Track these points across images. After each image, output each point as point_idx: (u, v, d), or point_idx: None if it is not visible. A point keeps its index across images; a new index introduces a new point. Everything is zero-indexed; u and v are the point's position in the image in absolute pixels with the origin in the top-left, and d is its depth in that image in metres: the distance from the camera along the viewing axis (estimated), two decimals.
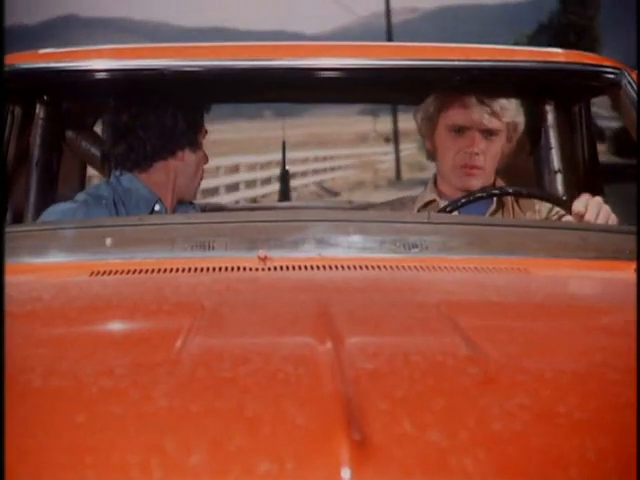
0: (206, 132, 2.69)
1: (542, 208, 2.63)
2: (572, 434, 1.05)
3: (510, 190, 2.36)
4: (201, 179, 2.69)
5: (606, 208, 2.26)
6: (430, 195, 2.69)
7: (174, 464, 0.99)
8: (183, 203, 2.68)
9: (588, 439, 1.04)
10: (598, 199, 2.29)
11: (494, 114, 2.56)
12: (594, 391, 1.17)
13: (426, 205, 2.66)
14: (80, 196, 2.60)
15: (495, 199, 2.62)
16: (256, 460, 0.99)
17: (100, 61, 2.41)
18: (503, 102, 2.57)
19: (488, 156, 2.58)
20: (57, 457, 1.01)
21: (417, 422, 1.05)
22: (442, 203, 2.60)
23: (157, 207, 2.59)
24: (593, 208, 2.24)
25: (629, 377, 1.20)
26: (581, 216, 2.24)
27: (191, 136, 2.63)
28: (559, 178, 2.89)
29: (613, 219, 2.26)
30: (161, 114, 2.58)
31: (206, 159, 2.69)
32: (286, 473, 0.98)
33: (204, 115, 2.68)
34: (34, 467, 0.99)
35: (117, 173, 2.62)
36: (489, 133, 2.58)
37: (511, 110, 2.59)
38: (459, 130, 2.58)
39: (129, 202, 2.57)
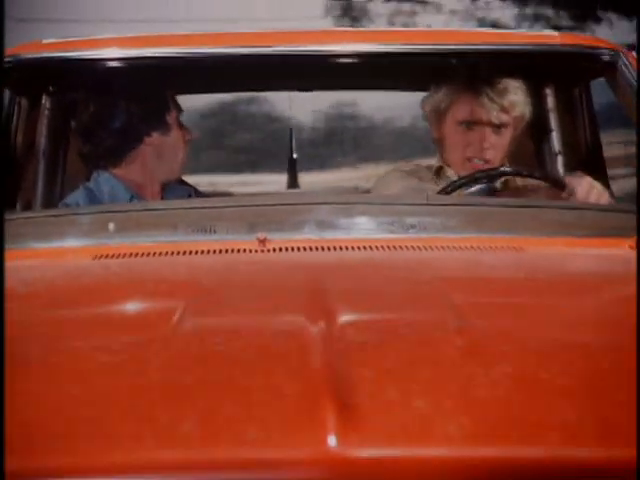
0: (180, 111, 2.69)
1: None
2: (553, 400, 1.08)
3: (508, 170, 2.38)
4: (183, 157, 2.68)
5: (598, 187, 2.28)
6: (439, 162, 2.71)
7: (166, 433, 1.02)
8: (170, 184, 2.70)
9: (568, 404, 1.06)
10: (589, 179, 2.31)
11: (503, 109, 2.59)
12: (577, 360, 1.20)
13: (437, 170, 2.69)
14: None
15: (500, 185, 2.64)
16: (245, 428, 1.02)
17: (104, 50, 2.44)
18: (513, 97, 2.59)
19: (497, 149, 2.61)
20: (53, 427, 1.04)
21: (402, 390, 1.07)
22: (449, 170, 2.63)
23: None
24: (584, 187, 2.26)
25: (613, 346, 1.23)
26: (572, 194, 2.26)
27: (157, 119, 2.63)
28: (559, 160, 2.91)
29: (605, 198, 2.28)
30: (115, 105, 2.61)
31: (188, 135, 2.68)
32: (274, 440, 1.01)
33: (171, 96, 2.67)
34: (31, 436, 1.03)
35: (95, 174, 2.66)
36: (498, 127, 2.61)
37: (520, 103, 2.61)
38: (469, 125, 2.61)
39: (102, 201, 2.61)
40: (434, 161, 2.74)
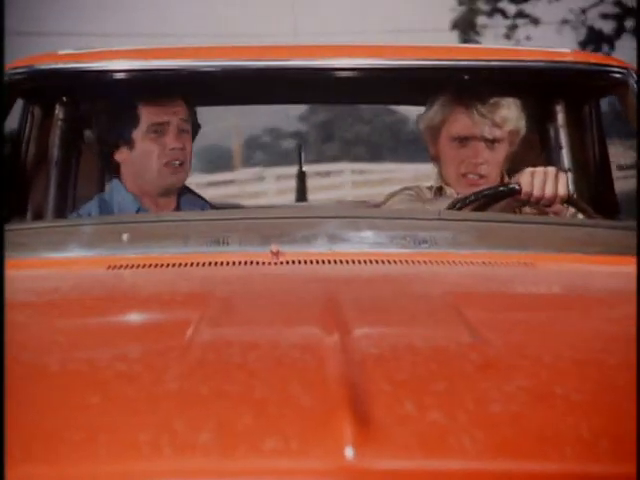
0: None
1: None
2: (568, 415, 1.08)
3: (517, 187, 2.38)
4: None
5: (552, 174, 2.28)
6: (438, 183, 2.72)
7: (183, 442, 1.03)
8: (184, 194, 2.72)
9: (583, 419, 1.07)
10: (541, 168, 2.32)
11: (496, 125, 2.59)
12: (591, 375, 1.21)
13: (437, 191, 2.69)
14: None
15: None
16: (262, 439, 1.03)
17: (118, 62, 2.46)
18: (504, 112, 2.59)
19: (492, 164, 2.61)
20: (72, 435, 1.05)
21: (418, 403, 1.08)
22: (449, 190, 2.63)
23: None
24: (538, 182, 2.27)
25: (626, 363, 1.23)
26: (530, 195, 2.27)
27: (123, 133, 2.65)
28: (569, 177, 2.92)
29: (563, 183, 2.28)
30: (126, 115, 2.63)
31: (159, 149, 2.64)
32: (291, 451, 1.02)
33: (139, 110, 2.65)
34: (50, 444, 1.04)
35: (110, 184, 2.70)
36: (492, 142, 2.61)
37: (513, 118, 2.62)
38: (463, 140, 2.62)
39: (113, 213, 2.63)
40: (432, 181, 2.75)
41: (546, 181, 2.28)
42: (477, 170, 2.59)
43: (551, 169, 2.33)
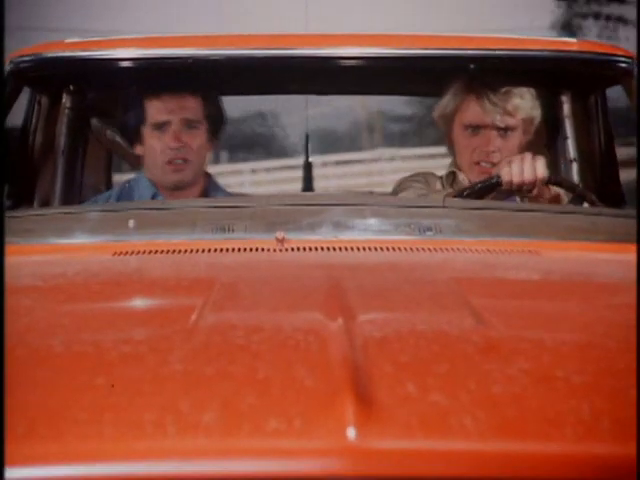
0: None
1: (565, 198, 2.66)
2: (569, 396, 1.09)
3: (497, 179, 2.39)
4: (163, 168, 2.67)
5: (528, 158, 2.32)
6: (451, 168, 2.73)
7: (187, 422, 1.04)
8: (209, 186, 2.73)
9: (584, 401, 1.08)
10: (517, 156, 2.36)
11: (507, 113, 2.60)
12: (593, 358, 1.22)
13: (448, 176, 2.70)
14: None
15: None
16: (265, 419, 1.04)
17: (125, 50, 2.47)
18: (517, 101, 2.60)
19: (505, 152, 2.61)
20: (78, 414, 1.06)
21: (420, 384, 1.09)
22: (461, 175, 2.65)
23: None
24: (516, 169, 2.31)
25: (627, 347, 1.24)
26: (511, 183, 2.31)
27: (135, 127, 2.67)
28: (575, 167, 2.92)
29: (541, 165, 2.31)
30: (135, 104, 2.66)
31: (161, 146, 2.66)
32: (294, 431, 1.02)
33: (145, 105, 2.67)
34: (56, 423, 1.05)
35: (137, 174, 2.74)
36: (504, 130, 2.61)
37: (526, 107, 2.62)
38: (475, 129, 2.62)
39: (131, 199, 2.65)
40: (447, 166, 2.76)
41: (524, 167, 2.32)
42: (489, 158, 2.60)
43: (527, 154, 2.36)
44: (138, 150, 2.70)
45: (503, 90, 2.59)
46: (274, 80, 3.04)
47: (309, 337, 1.23)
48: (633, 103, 2.36)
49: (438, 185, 2.70)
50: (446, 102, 2.68)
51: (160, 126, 2.64)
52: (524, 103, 2.61)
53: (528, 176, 2.31)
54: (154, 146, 2.65)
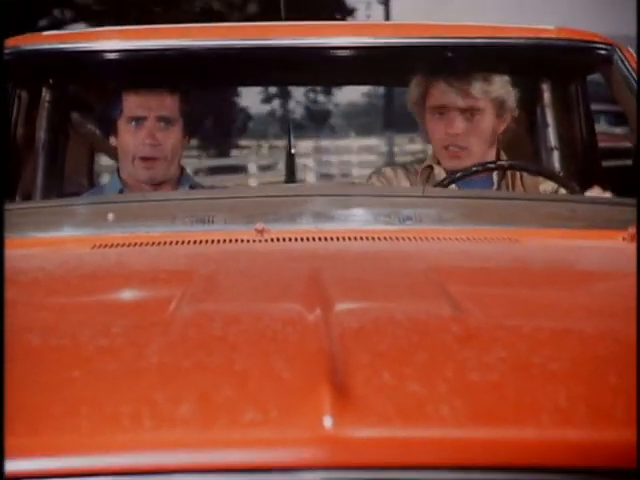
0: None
1: (547, 188, 2.65)
2: (546, 383, 1.09)
3: (505, 164, 2.39)
4: (135, 163, 2.66)
5: None
6: (429, 161, 2.71)
7: (164, 414, 1.04)
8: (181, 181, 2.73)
9: (561, 388, 1.08)
10: None
11: (469, 94, 2.56)
12: (569, 345, 1.22)
13: (424, 170, 2.69)
14: None
15: (496, 178, 2.64)
16: (242, 410, 1.03)
17: (104, 42, 2.46)
18: (482, 82, 2.57)
19: (473, 136, 2.58)
20: (53, 408, 1.06)
21: (397, 374, 1.09)
22: (437, 169, 2.64)
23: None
24: None
25: (604, 334, 1.25)
26: None
27: (109, 120, 2.68)
28: (555, 155, 2.92)
29: None
30: (113, 97, 2.66)
31: (135, 141, 2.65)
32: (271, 421, 1.02)
33: (122, 98, 2.67)
34: (32, 417, 1.05)
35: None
36: (470, 113, 2.58)
37: (493, 87, 2.59)
38: (441, 111, 2.60)
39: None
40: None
41: None
42: (456, 142, 2.58)
43: None
44: (112, 141, 2.69)
45: (470, 73, 2.57)
46: (254, 71, 3.03)
47: (287, 328, 1.23)
48: (613, 90, 2.36)
49: (404, 181, 2.68)
50: (414, 85, 2.65)
51: (136, 120, 2.63)
52: (490, 84, 2.58)
53: None
54: (128, 140, 2.65)
